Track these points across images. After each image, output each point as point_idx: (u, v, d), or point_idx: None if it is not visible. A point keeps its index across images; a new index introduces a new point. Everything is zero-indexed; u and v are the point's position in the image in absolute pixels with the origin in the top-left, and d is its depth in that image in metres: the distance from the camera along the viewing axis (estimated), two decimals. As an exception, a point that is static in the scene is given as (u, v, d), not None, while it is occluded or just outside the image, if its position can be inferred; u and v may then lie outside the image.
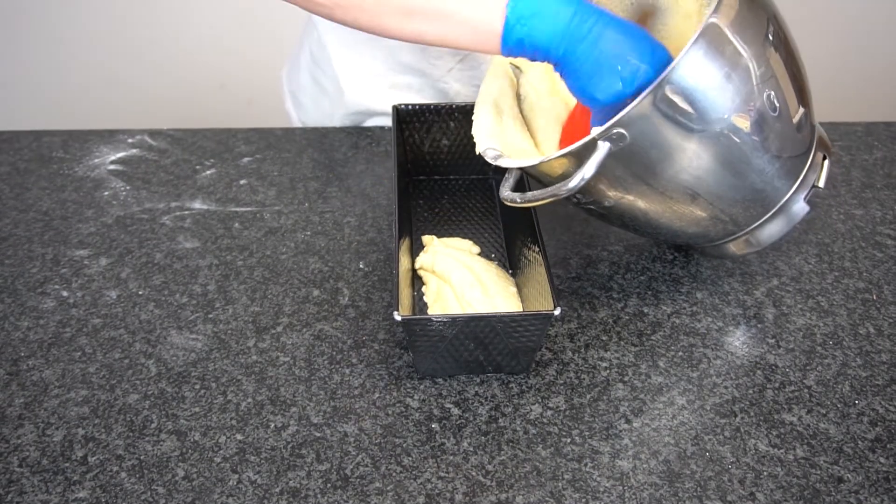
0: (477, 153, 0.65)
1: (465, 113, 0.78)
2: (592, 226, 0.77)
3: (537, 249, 0.62)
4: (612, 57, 0.54)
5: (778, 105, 0.56)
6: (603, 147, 0.53)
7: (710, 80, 0.52)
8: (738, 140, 0.55)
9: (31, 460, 0.56)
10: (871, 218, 0.79)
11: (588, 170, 0.53)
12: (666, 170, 0.56)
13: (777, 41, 0.56)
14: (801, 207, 0.62)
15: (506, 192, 0.61)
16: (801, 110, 0.58)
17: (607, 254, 0.74)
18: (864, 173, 0.85)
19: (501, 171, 0.79)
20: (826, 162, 0.63)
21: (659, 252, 0.74)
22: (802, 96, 0.59)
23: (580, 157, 0.54)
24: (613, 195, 0.59)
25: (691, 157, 0.55)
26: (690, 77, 0.51)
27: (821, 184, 0.62)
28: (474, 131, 0.67)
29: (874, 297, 0.70)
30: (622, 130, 0.52)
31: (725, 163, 0.56)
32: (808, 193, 0.62)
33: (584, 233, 0.76)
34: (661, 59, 0.55)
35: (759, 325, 0.67)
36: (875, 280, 0.71)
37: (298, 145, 0.88)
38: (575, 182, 0.54)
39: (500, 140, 0.66)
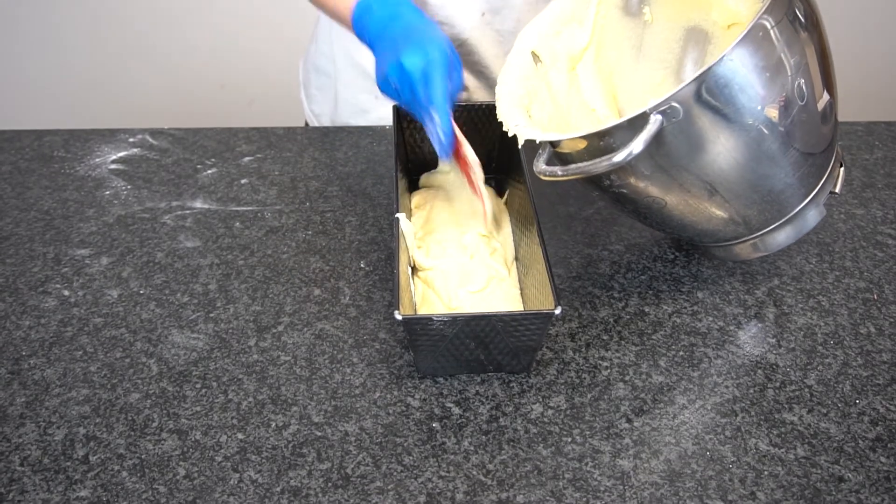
0: (509, 133, 0.63)
1: (465, 113, 0.78)
2: (593, 225, 0.77)
3: (538, 248, 0.61)
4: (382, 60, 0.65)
5: (806, 94, 0.55)
6: (655, 121, 0.51)
7: (753, 76, 0.52)
8: (767, 132, 0.54)
9: (33, 459, 0.56)
10: (871, 217, 0.79)
11: (637, 144, 0.52)
12: (695, 161, 0.55)
13: (811, 27, 0.56)
14: (813, 216, 0.62)
15: (542, 166, 0.59)
16: (827, 98, 0.58)
17: (608, 253, 0.74)
18: (864, 173, 0.85)
19: (502, 171, 0.80)
20: (842, 169, 0.63)
21: (660, 252, 0.74)
22: (829, 85, 0.58)
23: (630, 131, 0.52)
24: (641, 183, 0.58)
25: (720, 150, 0.55)
26: (735, 70, 0.51)
27: (837, 189, 0.62)
28: (500, 113, 0.65)
29: (875, 297, 0.70)
30: (677, 105, 0.51)
31: (752, 158, 0.56)
32: (825, 198, 0.62)
33: (585, 232, 0.76)
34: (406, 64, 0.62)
35: (759, 325, 0.67)
36: (876, 279, 0.71)
37: (299, 144, 0.88)
38: (622, 156, 0.52)
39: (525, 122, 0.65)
